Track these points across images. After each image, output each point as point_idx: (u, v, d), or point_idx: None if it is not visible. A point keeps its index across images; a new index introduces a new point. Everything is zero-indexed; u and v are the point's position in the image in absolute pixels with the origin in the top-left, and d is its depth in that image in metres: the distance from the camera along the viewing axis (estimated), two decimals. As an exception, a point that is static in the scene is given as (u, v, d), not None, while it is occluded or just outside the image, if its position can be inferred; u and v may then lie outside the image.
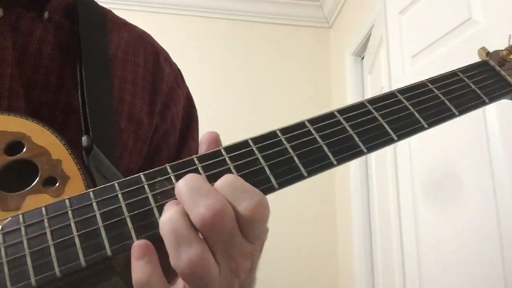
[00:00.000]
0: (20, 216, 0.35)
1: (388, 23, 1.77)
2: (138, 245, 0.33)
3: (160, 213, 0.35)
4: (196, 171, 0.38)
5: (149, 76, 0.65)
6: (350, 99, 2.41)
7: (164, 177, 0.37)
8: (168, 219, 0.33)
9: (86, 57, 0.56)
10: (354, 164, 2.29)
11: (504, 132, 1.11)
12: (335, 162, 0.40)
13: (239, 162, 0.38)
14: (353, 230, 2.25)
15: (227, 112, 2.49)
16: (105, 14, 0.65)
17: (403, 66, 1.62)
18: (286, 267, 2.40)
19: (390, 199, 1.76)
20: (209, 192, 0.34)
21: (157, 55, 0.68)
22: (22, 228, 0.34)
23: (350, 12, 2.59)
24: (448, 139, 1.34)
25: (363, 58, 2.47)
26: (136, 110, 0.61)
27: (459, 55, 1.31)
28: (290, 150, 0.39)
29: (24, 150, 0.41)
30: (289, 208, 2.35)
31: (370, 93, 2.28)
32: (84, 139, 0.50)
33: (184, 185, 0.34)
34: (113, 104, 0.57)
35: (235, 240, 0.34)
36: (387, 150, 1.79)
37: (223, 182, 0.35)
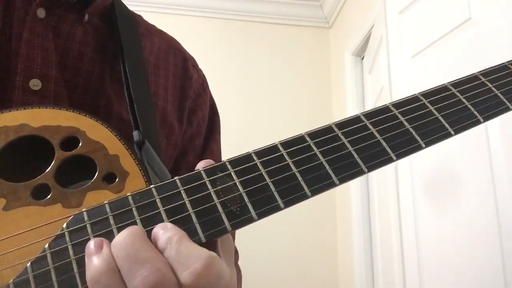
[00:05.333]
0: (85, 214, 0.34)
1: (388, 23, 1.77)
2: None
3: (224, 209, 0.35)
4: (255, 167, 0.38)
5: (178, 82, 0.66)
6: (350, 99, 2.41)
7: (225, 173, 0.37)
8: (96, 281, 0.31)
9: (128, 61, 0.56)
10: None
11: (504, 132, 1.11)
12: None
13: (297, 158, 0.39)
14: (353, 230, 2.25)
15: (227, 112, 2.48)
16: (137, 19, 0.66)
17: (403, 66, 1.62)
18: (286, 266, 2.40)
19: (390, 199, 1.76)
20: (146, 260, 0.31)
21: (185, 62, 0.69)
22: (88, 226, 0.34)
23: (350, 12, 2.59)
24: (448, 139, 1.33)
25: (363, 58, 2.47)
26: (168, 116, 0.61)
27: (459, 55, 1.31)
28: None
29: (80, 145, 0.41)
30: (289, 207, 2.35)
31: (370, 93, 2.28)
32: (136, 133, 0.50)
33: (121, 248, 0.31)
34: (153, 107, 0.58)
35: None
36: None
37: (165, 241, 0.32)
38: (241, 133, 2.40)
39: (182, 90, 0.66)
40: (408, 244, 1.51)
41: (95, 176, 0.39)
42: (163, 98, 0.62)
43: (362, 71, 2.45)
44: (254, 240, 2.24)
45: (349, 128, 0.41)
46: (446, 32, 1.39)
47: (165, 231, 0.33)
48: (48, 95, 0.50)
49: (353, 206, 2.28)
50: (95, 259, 0.31)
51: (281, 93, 2.72)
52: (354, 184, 2.28)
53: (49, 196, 0.38)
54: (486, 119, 0.43)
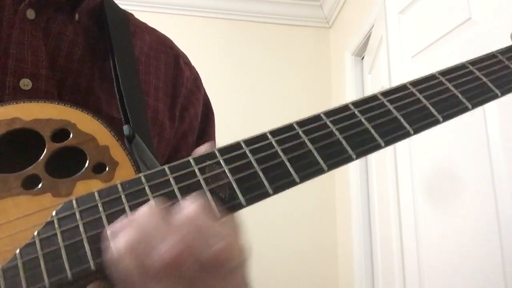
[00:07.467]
0: (74, 201, 0.35)
1: (388, 23, 1.77)
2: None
3: (212, 195, 0.36)
4: (244, 155, 0.38)
5: (170, 80, 0.66)
6: (350, 99, 2.40)
7: (213, 160, 0.37)
8: (120, 258, 0.32)
9: (118, 59, 0.56)
10: (354, 164, 2.29)
11: (504, 132, 1.11)
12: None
13: (285, 146, 0.38)
14: (353, 230, 2.25)
15: (226, 112, 2.48)
16: (128, 18, 0.66)
17: (403, 66, 1.62)
18: (286, 266, 2.39)
19: (390, 199, 1.76)
20: (165, 234, 0.32)
21: (177, 59, 0.69)
22: (77, 213, 0.34)
23: (350, 12, 2.59)
24: (448, 139, 1.33)
25: (363, 58, 2.47)
26: (160, 114, 0.62)
27: (459, 55, 1.31)
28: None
29: (71, 137, 0.41)
30: (289, 208, 2.35)
31: (370, 93, 2.28)
32: (126, 128, 0.50)
33: (143, 223, 0.32)
34: (144, 104, 0.58)
35: (199, 280, 0.32)
36: (387, 150, 1.79)
37: (184, 220, 0.33)
38: (241, 133, 2.40)
39: (173, 88, 0.66)
40: (408, 244, 1.51)
41: (85, 166, 0.40)
42: (154, 97, 0.62)
43: (362, 71, 2.45)
44: (255, 240, 2.24)
45: (338, 116, 0.41)
46: (446, 32, 1.39)
47: (187, 207, 0.34)
48: (39, 94, 0.51)
49: (353, 206, 2.28)
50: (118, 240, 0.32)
51: (281, 93, 2.72)
52: (354, 184, 2.28)
53: (39, 186, 0.38)
54: (475, 106, 0.43)
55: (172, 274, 0.31)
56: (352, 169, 2.31)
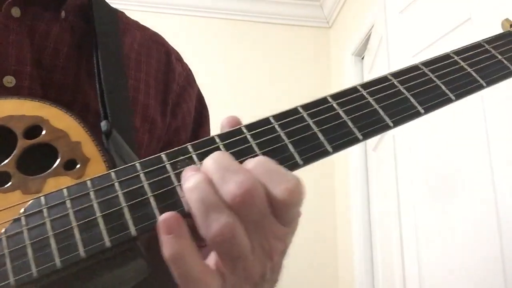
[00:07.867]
0: (42, 198, 0.34)
1: (388, 23, 1.77)
2: (164, 219, 0.32)
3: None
4: (217, 149, 0.37)
5: (161, 76, 0.65)
6: (350, 99, 2.41)
7: (186, 156, 0.37)
8: (194, 187, 0.32)
9: (103, 55, 0.56)
10: (354, 164, 2.29)
11: (504, 132, 1.11)
12: (360, 137, 0.38)
13: (261, 140, 0.37)
14: (353, 230, 2.25)
15: (226, 113, 2.48)
16: (117, 15, 0.66)
17: (403, 66, 1.62)
18: (285, 266, 2.39)
19: (390, 199, 1.76)
20: (239, 169, 0.32)
21: (168, 55, 0.68)
22: (45, 210, 0.34)
23: (350, 12, 2.59)
24: (448, 139, 1.34)
25: (363, 58, 2.47)
26: (150, 110, 0.61)
27: (459, 55, 1.31)
28: (313, 126, 0.38)
29: (43, 133, 0.41)
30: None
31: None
32: (104, 123, 0.50)
33: (213, 162, 0.33)
34: (129, 100, 0.58)
35: (267, 220, 0.33)
36: (387, 149, 1.79)
37: (256, 162, 0.33)
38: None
39: (165, 84, 0.65)
40: (408, 244, 1.51)
41: (56, 163, 0.39)
42: (144, 93, 0.61)
43: (362, 71, 2.45)
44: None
45: (315, 109, 0.40)
46: (446, 32, 1.39)
47: (253, 159, 0.34)
48: (23, 92, 0.51)
49: (353, 206, 2.28)
50: (191, 177, 0.33)
51: (281, 93, 2.72)
52: (354, 184, 2.28)
53: (9, 184, 0.38)
54: (458, 97, 0.42)
55: (242, 210, 0.31)
56: (352, 168, 2.31)
